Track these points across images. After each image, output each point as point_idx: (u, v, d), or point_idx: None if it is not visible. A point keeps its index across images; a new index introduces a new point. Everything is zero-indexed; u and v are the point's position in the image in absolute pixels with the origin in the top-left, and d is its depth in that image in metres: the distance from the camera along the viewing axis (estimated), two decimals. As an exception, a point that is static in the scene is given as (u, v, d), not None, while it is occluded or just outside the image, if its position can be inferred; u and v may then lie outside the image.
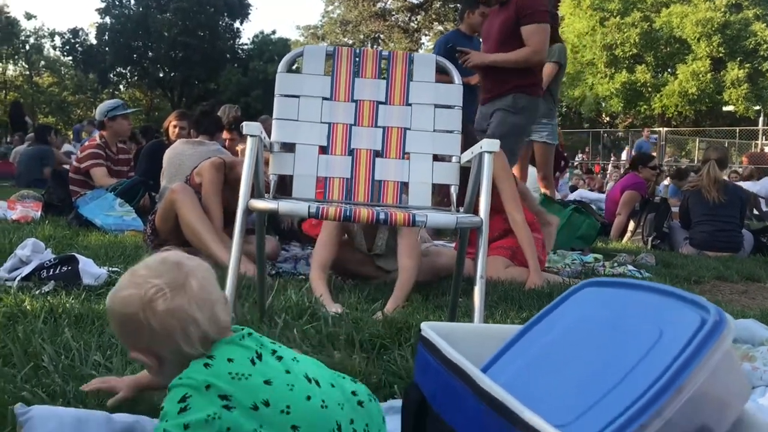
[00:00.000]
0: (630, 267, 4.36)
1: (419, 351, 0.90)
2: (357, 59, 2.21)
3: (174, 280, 1.12)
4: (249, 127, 1.84)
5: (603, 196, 8.92)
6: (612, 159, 23.34)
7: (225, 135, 5.13)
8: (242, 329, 1.18)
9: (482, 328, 1.01)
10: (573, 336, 0.82)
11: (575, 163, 20.95)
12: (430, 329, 0.89)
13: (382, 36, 36.41)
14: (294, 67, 2.26)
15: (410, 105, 2.17)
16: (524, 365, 0.84)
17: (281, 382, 1.10)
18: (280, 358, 1.15)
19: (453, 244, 3.81)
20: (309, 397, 1.10)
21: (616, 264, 4.46)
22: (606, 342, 0.77)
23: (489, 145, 1.84)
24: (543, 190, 5.62)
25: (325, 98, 2.17)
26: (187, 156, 4.17)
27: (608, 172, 19.04)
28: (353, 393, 1.16)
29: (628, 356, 0.73)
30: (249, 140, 1.84)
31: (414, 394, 0.87)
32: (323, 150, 2.15)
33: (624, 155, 21.66)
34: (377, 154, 2.15)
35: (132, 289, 1.12)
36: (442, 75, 2.24)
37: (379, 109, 2.17)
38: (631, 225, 6.32)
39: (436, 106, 2.17)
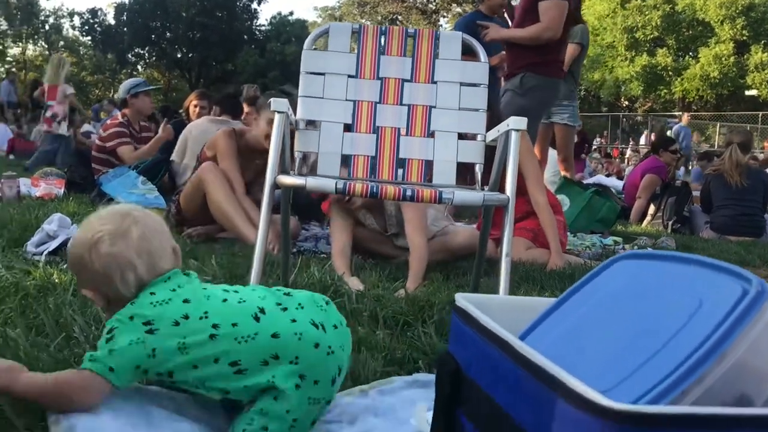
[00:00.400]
0: (650, 250, 4.34)
1: (453, 321, 0.90)
2: (383, 36, 2.20)
3: (118, 228, 1.26)
4: (277, 103, 1.84)
5: (619, 183, 8.81)
6: (630, 143, 23.12)
7: (245, 109, 5.19)
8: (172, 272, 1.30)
9: (515, 300, 1.01)
10: (610, 307, 0.83)
11: (594, 147, 20.77)
12: (464, 299, 0.89)
13: (400, 17, 36.13)
14: (312, 48, 2.24)
15: (435, 83, 2.16)
16: (560, 335, 0.85)
17: (198, 296, 1.24)
18: (205, 288, 1.29)
19: (473, 226, 3.80)
20: (225, 300, 1.24)
21: (636, 247, 4.45)
22: (644, 312, 0.78)
23: (516, 123, 1.83)
24: (563, 173, 5.59)
25: (350, 76, 2.17)
26: (211, 133, 4.19)
27: (627, 156, 18.86)
28: (278, 290, 1.29)
29: (667, 325, 0.74)
30: (276, 116, 1.85)
31: (448, 362, 0.88)
32: (348, 128, 2.15)
33: (642, 140, 21.44)
34: (402, 132, 2.15)
35: (82, 233, 1.29)
36: (466, 56, 2.22)
37: (405, 86, 2.17)
38: (651, 209, 6.28)
39: (462, 84, 2.16)
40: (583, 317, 0.84)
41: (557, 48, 4.13)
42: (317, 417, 1.26)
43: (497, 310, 0.91)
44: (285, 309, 1.24)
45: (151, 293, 1.25)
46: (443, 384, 0.89)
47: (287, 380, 1.18)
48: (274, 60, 32.30)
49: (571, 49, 5.06)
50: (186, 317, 1.21)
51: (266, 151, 3.43)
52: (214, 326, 1.20)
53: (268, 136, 3.35)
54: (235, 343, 1.20)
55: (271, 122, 3.35)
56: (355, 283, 2.55)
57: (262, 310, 1.22)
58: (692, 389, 0.64)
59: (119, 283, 1.26)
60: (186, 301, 1.23)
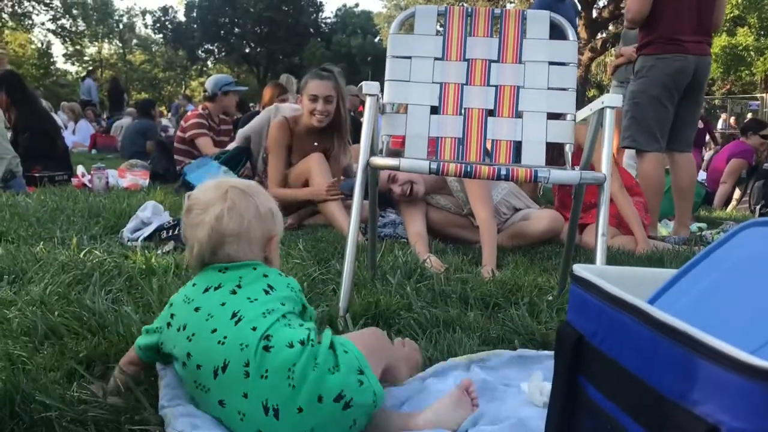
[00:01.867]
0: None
1: (573, 291, 0.90)
2: (468, 18, 2.19)
3: (206, 203, 1.25)
4: (368, 86, 1.87)
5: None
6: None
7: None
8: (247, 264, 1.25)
9: (632, 271, 1.00)
10: (742, 273, 0.81)
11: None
12: (584, 270, 0.89)
13: (466, 4, 35.72)
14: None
15: (523, 63, 2.14)
16: (690, 302, 0.83)
17: (204, 312, 1.18)
18: (234, 292, 1.20)
19: (552, 210, 3.74)
20: (214, 330, 1.14)
21: (721, 232, 4.29)
22: (783, 278, 0.76)
23: (611, 100, 1.80)
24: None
25: (436, 58, 2.17)
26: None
27: (705, 141, 18.08)
28: (267, 337, 1.11)
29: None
30: (368, 99, 1.87)
31: (570, 332, 0.87)
32: (434, 110, 2.15)
33: (720, 124, 20.54)
34: (490, 113, 2.13)
35: (190, 197, 1.30)
36: None
37: (492, 67, 2.15)
38: (737, 193, 6.03)
39: (551, 63, 2.13)
40: (713, 284, 0.82)
41: (665, 22, 3.69)
42: None
43: (616, 281, 0.90)
44: (247, 375, 1.09)
45: (194, 284, 1.24)
46: (565, 352, 0.88)
47: None
48: (340, 52, 32.56)
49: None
50: (184, 327, 1.18)
51: (319, 131, 3.53)
52: (188, 355, 1.15)
53: (311, 112, 3.44)
54: (194, 385, 1.16)
55: (311, 98, 3.48)
56: (436, 262, 2.56)
57: (224, 367, 1.10)
58: None
59: (188, 252, 1.28)
60: (197, 309, 1.19)
